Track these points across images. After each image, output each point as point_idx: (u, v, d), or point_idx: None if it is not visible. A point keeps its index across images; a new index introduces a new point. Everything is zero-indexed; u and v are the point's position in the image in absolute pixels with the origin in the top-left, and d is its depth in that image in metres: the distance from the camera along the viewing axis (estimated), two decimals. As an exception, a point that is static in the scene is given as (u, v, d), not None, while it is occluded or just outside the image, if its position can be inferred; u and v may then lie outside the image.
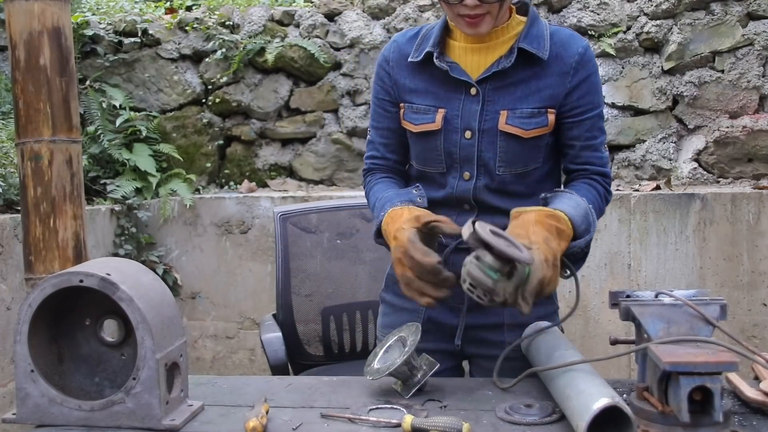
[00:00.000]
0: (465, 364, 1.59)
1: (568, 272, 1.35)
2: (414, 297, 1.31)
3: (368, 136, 1.58)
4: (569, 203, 1.34)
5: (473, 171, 1.43)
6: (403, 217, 1.34)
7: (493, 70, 1.40)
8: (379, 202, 1.46)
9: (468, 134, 1.41)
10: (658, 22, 3.28)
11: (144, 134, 3.56)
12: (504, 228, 1.27)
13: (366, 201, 1.57)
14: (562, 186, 1.51)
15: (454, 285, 1.28)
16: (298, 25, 3.67)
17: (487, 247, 1.13)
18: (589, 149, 1.44)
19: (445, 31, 1.46)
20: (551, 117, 1.41)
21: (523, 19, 1.45)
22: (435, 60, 1.42)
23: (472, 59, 1.43)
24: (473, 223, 1.16)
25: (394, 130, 1.52)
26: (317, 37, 3.62)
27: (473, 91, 1.41)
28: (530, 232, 1.24)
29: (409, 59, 1.46)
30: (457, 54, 1.44)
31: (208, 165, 3.70)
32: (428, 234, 1.34)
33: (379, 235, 1.43)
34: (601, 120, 1.45)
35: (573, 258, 1.35)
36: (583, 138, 1.43)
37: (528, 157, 1.42)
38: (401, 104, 1.49)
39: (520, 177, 1.44)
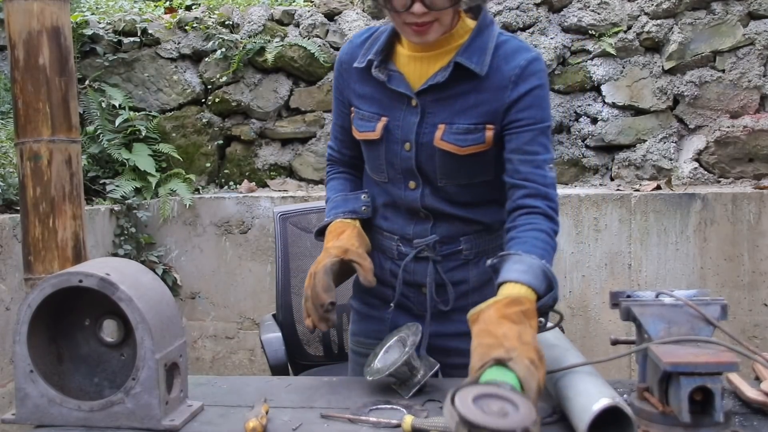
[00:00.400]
0: None
1: (543, 320, 1.25)
2: (304, 312, 1.38)
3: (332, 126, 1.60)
4: (521, 268, 1.21)
5: (417, 181, 1.41)
6: (340, 239, 1.40)
7: (429, 83, 1.36)
8: (329, 204, 1.51)
9: (407, 146, 1.39)
10: (658, 21, 3.28)
11: (143, 134, 3.56)
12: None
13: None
14: (506, 225, 1.36)
15: (332, 326, 1.36)
16: (297, 25, 3.67)
17: (481, 428, 0.91)
18: (528, 164, 1.32)
19: (395, 37, 1.41)
20: (489, 133, 1.35)
21: (472, 25, 1.38)
22: (373, 70, 1.39)
23: (415, 68, 1.39)
24: (452, 400, 0.95)
25: (347, 129, 1.51)
26: (317, 36, 3.62)
27: (413, 102, 1.38)
28: (500, 335, 1.09)
29: (355, 64, 1.44)
30: (402, 62, 1.40)
31: (208, 165, 3.70)
32: (348, 266, 1.39)
33: (320, 233, 1.49)
34: (545, 137, 1.34)
35: (541, 312, 1.24)
36: (521, 151, 1.33)
37: (469, 171, 1.38)
38: (351, 108, 1.48)
39: (466, 187, 1.40)
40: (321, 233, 1.48)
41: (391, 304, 1.47)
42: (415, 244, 1.44)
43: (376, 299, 1.53)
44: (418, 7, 1.26)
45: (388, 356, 1.30)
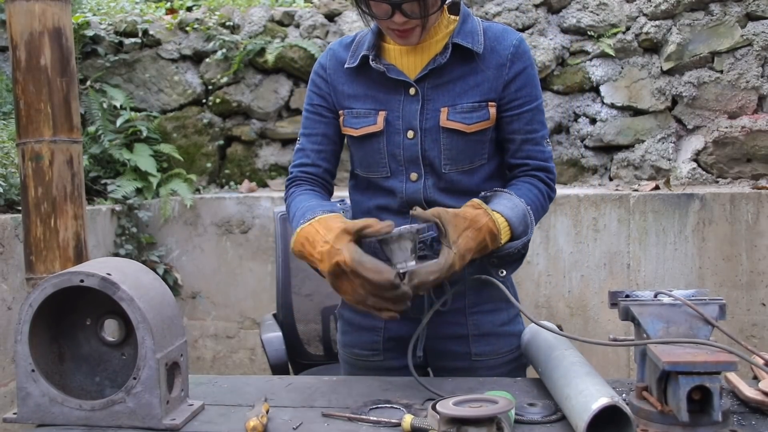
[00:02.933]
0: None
1: (504, 272, 1.37)
2: (371, 312, 1.24)
3: (297, 144, 1.53)
4: (507, 204, 1.34)
5: (420, 171, 1.42)
6: (331, 232, 1.24)
7: (429, 68, 1.39)
8: (300, 212, 1.37)
9: (410, 134, 1.40)
10: (657, 22, 3.29)
11: (144, 134, 3.56)
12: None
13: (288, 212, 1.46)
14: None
15: (411, 297, 1.22)
16: (298, 26, 3.68)
17: (463, 420, 0.98)
18: (529, 143, 1.43)
19: (380, 35, 1.46)
20: (492, 110, 1.40)
21: (455, 18, 1.44)
22: (371, 62, 1.41)
23: (408, 60, 1.42)
24: (434, 408, 1.03)
25: (330, 137, 1.49)
26: (317, 37, 3.62)
27: (412, 90, 1.40)
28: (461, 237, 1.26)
29: (346, 65, 1.45)
30: (392, 56, 1.43)
31: (209, 165, 3.70)
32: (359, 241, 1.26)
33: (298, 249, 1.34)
34: (541, 114, 1.44)
35: (509, 259, 1.35)
36: (523, 131, 1.42)
37: (472, 153, 1.41)
38: (340, 111, 1.47)
39: (467, 174, 1.42)
40: (300, 251, 1.32)
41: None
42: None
43: None
44: (398, 17, 1.30)
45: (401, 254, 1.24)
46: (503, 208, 1.32)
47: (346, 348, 1.56)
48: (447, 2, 1.43)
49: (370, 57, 1.41)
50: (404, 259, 1.23)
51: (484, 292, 1.46)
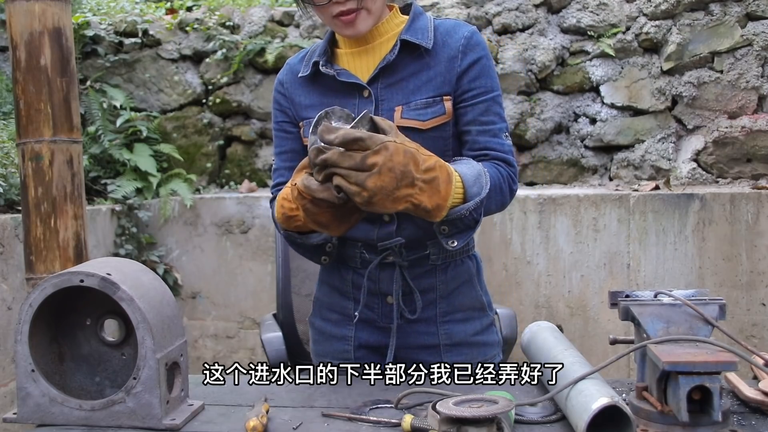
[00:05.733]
0: None
1: (455, 242, 1.29)
2: (353, 223, 1.22)
3: (273, 165, 1.53)
4: (462, 162, 1.29)
5: None
6: (293, 178, 1.24)
7: (380, 67, 1.38)
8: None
9: None
10: (657, 22, 3.29)
11: (144, 134, 3.56)
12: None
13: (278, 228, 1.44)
14: None
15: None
16: (298, 26, 3.68)
17: (462, 420, 0.98)
18: (486, 134, 1.38)
19: (332, 42, 1.46)
20: (448, 104, 1.37)
21: (406, 17, 1.44)
22: (321, 68, 1.40)
23: (359, 63, 1.42)
24: (434, 408, 1.03)
25: (298, 151, 1.48)
26: (317, 37, 3.62)
27: (365, 93, 1.39)
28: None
29: (300, 74, 1.45)
30: (344, 61, 1.43)
31: (209, 165, 3.71)
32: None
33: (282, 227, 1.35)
34: (498, 106, 1.40)
35: (462, 224, 1.28)
36: (478, 122, 1.38)
37: (433, 150, 1.32)
38: (300, 123, 1.46)
39: None
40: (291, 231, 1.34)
41: (356, 313, 1.42)
42: (380, 247, 1.39)
43: (337, 314, 1.49)
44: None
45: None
46: (457, 165, 1.27)
47: (318, 357, 1.54)
48: None
49: (321, 63, 1.41)
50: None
51: (455, 299, 1.45)
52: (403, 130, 1.32)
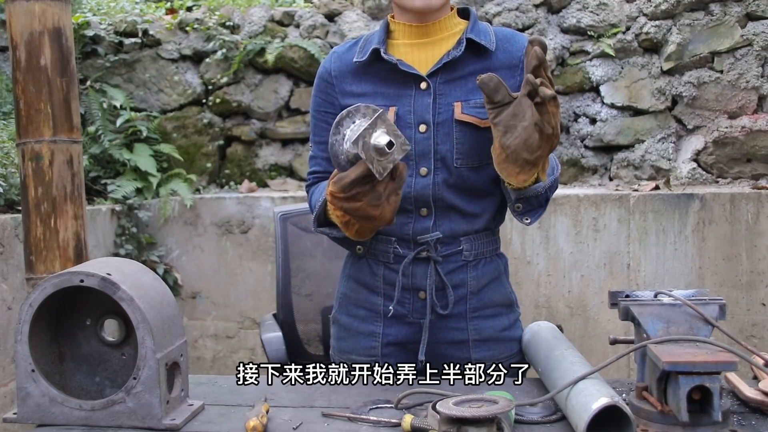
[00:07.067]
0: None
1: (529, 219, 1.36)
2: (393, 205, 1.25)
3: (310, 150, 1.54)
4: None
5: (430, 166, 1.39)
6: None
7: (443, 62, 1.39)
8: (317, 193, 1.43)
9: (422, 128, 1.39)
10: (657, 22, 3.29)
11: (144, 134, 3.56)
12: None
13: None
14: None
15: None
16: (298, 26, 3.68)
17: (462, 420, 0.99)
18: None
19: (387, 33, 1.45)
20: None
21: (461, 20, 1.46)
22: (383, 54, 1.40)
23: (418, 56, 1.42)
24: (434, 408, 1.05)
25: None
26: (317, 37, 3.62)
27: (423, 85, 1.39)
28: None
29: (354, 59, 1.44)
30: (402, 52, 1.43)
31: (209, 165, 3.71)
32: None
33: (319, 224, 1.40)
34: None
35: (536, 202, 1.35)
36: None
37: (482, 149, 1.38)
38: None
39: (476, 171, 1.41)
40: (320, 224, 1.39)
41: (390, 308, 1.43)
42: (419, 240, 1.40)
43: (365, 310, 1.49)
44: None
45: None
46: None
47: (342, 354, 1.53)
48: None
49: (382, 50, 1.40)
50: (356, 128, 1.19)
51: (485, 294, 1.46)
52: (462, 125, 1.38)
